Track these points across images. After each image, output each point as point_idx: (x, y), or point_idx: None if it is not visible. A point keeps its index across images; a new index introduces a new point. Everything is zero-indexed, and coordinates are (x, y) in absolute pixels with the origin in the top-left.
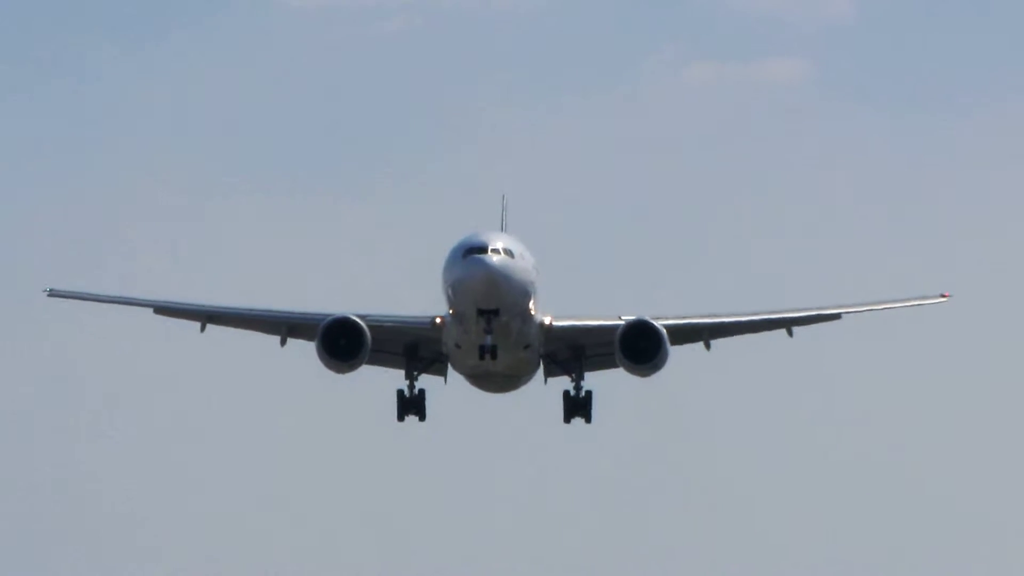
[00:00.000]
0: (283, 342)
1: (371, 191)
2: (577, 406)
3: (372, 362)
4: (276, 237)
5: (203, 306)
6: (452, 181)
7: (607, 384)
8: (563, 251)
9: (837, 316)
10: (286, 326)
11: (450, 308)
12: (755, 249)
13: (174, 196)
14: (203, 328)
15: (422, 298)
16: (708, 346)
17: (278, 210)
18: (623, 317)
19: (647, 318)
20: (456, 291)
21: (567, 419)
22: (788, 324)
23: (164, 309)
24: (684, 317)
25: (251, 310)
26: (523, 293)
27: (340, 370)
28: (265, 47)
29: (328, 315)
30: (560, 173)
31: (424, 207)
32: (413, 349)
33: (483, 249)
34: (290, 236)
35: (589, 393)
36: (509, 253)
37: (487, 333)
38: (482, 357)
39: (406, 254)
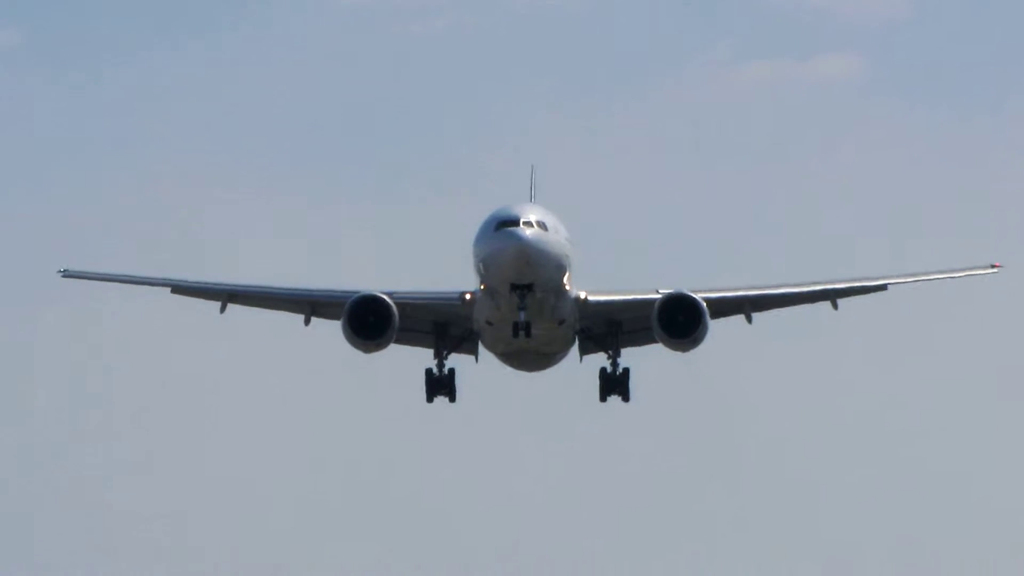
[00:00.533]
0: (307, 321)
1: (400, 169)
2: (614, 384)
3: (400, 341)
4: (300, 214)
5: (223, 284)
6: (485, 161)
7: (645, 360)
8: (598, 224)
9: (883, 287)
10: (310, 304)
11: (481, 283)
12: (797, 221)
13: (197, 177)
14: (223, 308)
15: (452, 274)
16: (750, 319)
17: (302, 188)
18: (661, 290)
19: (686, 291)
20: (488, 266)
21: (603, 397)
22: (832, 296)
23: (182, 288)
24: (724, 290)
25: (274, 288)
26: (557, 267)
27: (367, 349)
28: (313, 42)
29: (354, 292)
30: (605, 164)
31: (454, 182)
32: (442, 327)
33: (515, 222)
34: (314, 213)
35: (626, 370)
36: (542, 226)
37: (520, 309)
38: (515, 334)
39: (435, 230)
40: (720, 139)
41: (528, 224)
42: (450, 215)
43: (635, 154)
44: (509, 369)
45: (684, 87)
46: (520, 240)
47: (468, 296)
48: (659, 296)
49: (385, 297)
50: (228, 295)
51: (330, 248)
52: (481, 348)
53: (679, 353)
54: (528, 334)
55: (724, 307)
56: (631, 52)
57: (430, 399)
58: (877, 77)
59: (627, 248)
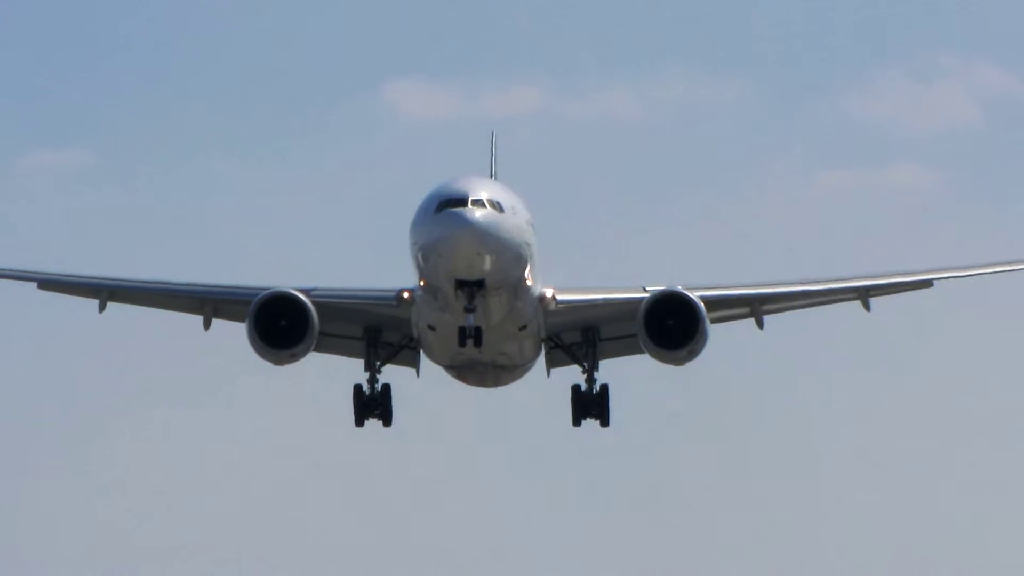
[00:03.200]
0: (207, 325)
1: (325, 138)
2: (590, 404)
3: (321, 349)
4: (205, 197)
5: (102, 279)
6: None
7: (628, 376)
8: (569, 211)
9: (928, 283)
10: (209, 304)
11: (420, 279)
12: (806, 210)
13: (79, 152)
14: (102, 307)
15: (388, 268)
16: (760, 323)
17: (206, 164)
18: (648, 288)
19: (679, 288)
20: (427, 256)
21: (577, 421)
22: (865, 293)
23: (52, 283)
24: (728, 287)
25: (163, 284)
26: (515, 258)
27: (279, 360)
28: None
29: (262, 289)
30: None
31: (391, 156)
32: (374, 332)
33: (462, 201)
34: (220, 195)
35: (605, 387)
36: (496, 206)
37: (468, 311)
38: (463, 343)
39: (369, 214)
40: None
41: (478, 203)
42: (387, 196)
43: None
44: (460, 385)
45: (759, 192)
46: (467, 224)
47: (405, 295)
48: (646, 295)
49: (300, 295)
50: (108, 291)
51: (239, 237)
52: (424, 359)
53: (671, 366)
54: (478, 343)
55: (728, 308)
56: (704, 162)
57: (359, 422)
58: (950, 186)
59: (607, 238)
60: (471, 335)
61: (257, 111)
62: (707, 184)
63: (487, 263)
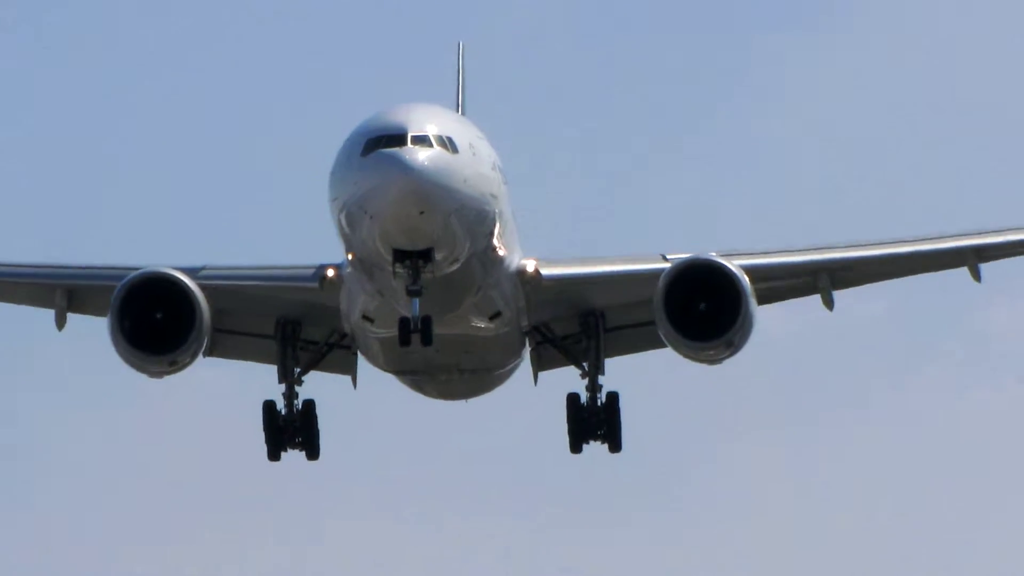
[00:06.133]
0: (60, 321)
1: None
2: (593, 422)
3: (216, 353)
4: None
5: None
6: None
7: (644, 379)
8: (562, 158)
9: None
10: (61, 292)
11: (348, 251)
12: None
13: None
14: None
15: (308, 239)
16: (830, 303)
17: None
18: (669, 256)
19: (713, 255)
20: (353, 218)
21: (576, 446)
22: (976, 257)
23: None
24: (782, 252)
25: None
26: (476, 217)
27: (155, 369)
28: None
29: (130, 270)
30: None
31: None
32: (290, 327)
33: (398, 137)
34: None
35: (614, 397)
36: (447, 144)
37: (412, 294)
38: (405, 339)
39: (282, 166)
40: None
41: (421, 141)
42: (305, 141)
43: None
44: (417, 398)
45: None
46: (405, 169)
47: (330, 273)
48: (666, 266)
49: (181, 276)
50: None
51: (103, 204)
52: (363, 363)
53: (704, 364)
54: (427, 339)
55: (784, 281)
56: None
57: (273, 455)
58: None
59: (611, 193)
60: (417, 328)
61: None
62: (737, 120)
63: (435, 224)
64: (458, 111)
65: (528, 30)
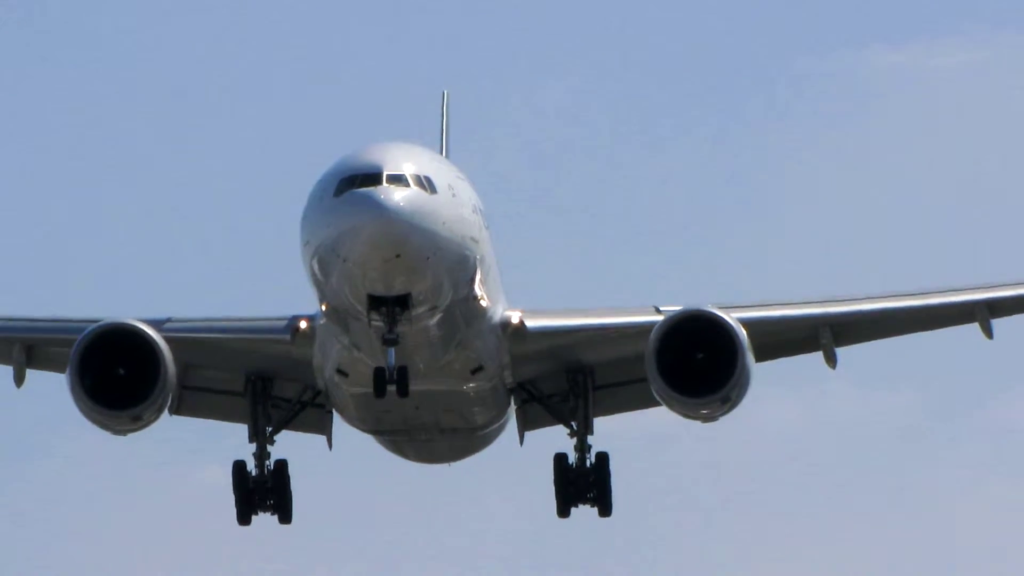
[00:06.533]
0: (18, 377)
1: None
2: (582, 484)
3: (184, 411)
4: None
5: None
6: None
7: (634, 438)
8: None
9: None
10: (18, 346)
11: (321, 300)
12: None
13: None
14: None
15: (280, 291)
16: (831, 360)
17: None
18: (662, 309)
19: (708, 307)
20: (325, 263)
21: (564, 509)
22: (985, 311)
23: None
24: (781, 305)
25: None
26: (456, 261)
27: (118, 426)
28: None
29: (91, 322)
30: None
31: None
32: (261, 383)
33: (373, 177)
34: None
35: (603, 458)
36: (425, 184)
37: (388, 342)
38: (380, 391)
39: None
40: None
41: (397, 180)
42: (280, 190)
43: None
44: (396, 460)
45: None
46: (380, 209)
47: (302, 325)
48: (660, 318)
49: (145, 328)
50: None
51: (68, 256)
52: (339, 422)
53: (699, 422)
54: (403, 390)
55: (781, 336)
56: None
57: (243, 519)
58: None
59: (600, 243)
60: (392, 379)
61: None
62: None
63: (412, 268)
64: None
65: (516, 79)
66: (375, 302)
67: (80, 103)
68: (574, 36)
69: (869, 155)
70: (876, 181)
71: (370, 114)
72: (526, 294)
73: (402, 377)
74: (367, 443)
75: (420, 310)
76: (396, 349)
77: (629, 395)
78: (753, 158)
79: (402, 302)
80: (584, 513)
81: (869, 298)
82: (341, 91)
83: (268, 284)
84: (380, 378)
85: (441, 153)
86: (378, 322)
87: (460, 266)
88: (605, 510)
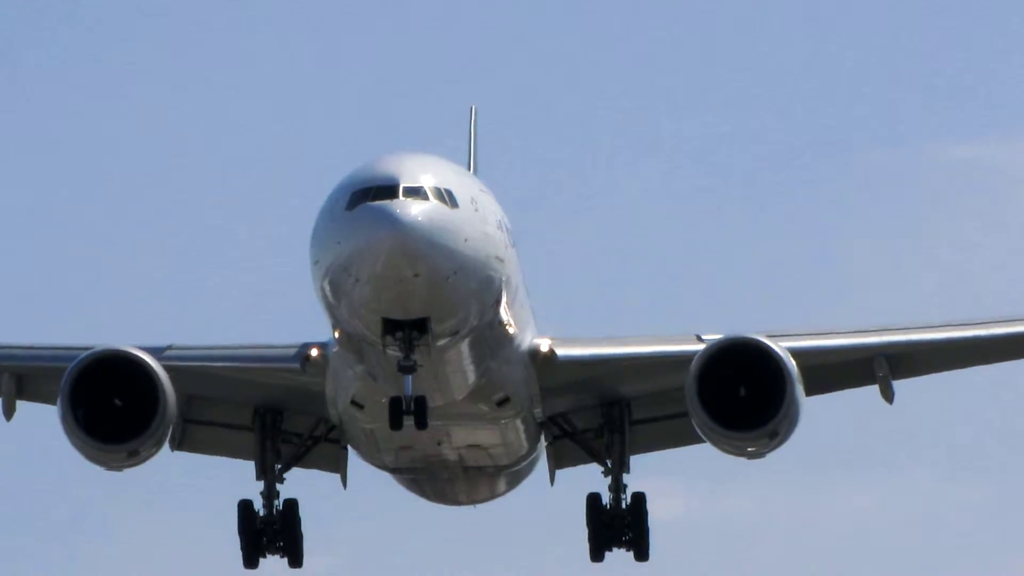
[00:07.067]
0: (8, 409)
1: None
2: (617, 526)
3: (187, 446)
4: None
5: None
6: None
7: (675, 478)
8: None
9: None
10: (8, 375)
11: (335, 326)
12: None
13: None
14: None
15: (291, 319)
16: (889, 394)
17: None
18: (704, 337)
19: (755, 335)
20: (336, 283)
21: (597, 553)
22: None
23: None
24: (834, 333)
25: None
26: (479, 283)
27: (113, 462)
28: None
29: (84, 349)
30: None
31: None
32: (270, 416)
33: (388, 189)
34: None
35: (640, 499)
36: (445, 197)
37: (405, 370)
38: (396, 422)
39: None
40: None
41: (414, 193)
42: (296, 210)
43: None
44: (417, 501)
45: None
46: (396, 224)
47: (315, 353)
48: (702, 347)
49: (142, 356)
50: None
51: (64, 281)
52: (353, 458)
53: (743, 458)
54: (422, 423)
55: (835, 367)
56: None
57: (250, 562)
58: None
59: (639, 266)
60: (410, 409)
61: None
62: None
63: (431, 289)
64: None
65: (543, 93)
66: (390, 326)
67: (78, 111)
68: (624, 44)
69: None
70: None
71: (395, 129)
72: (557, 322)
73: (420, 407)
74: (385, 482)
75: (440, 335)
76: (414, 378)
77: (669, 431)
78: (812, 214)
79: (420, 326)
80: (619, 558)
81: (929, 327)
82: (363, 103)
83: (278, 310)
84: (396, 408)
85: (470, 170)
86: (394, 348)
87: (484, 287)
88: (641, 555)
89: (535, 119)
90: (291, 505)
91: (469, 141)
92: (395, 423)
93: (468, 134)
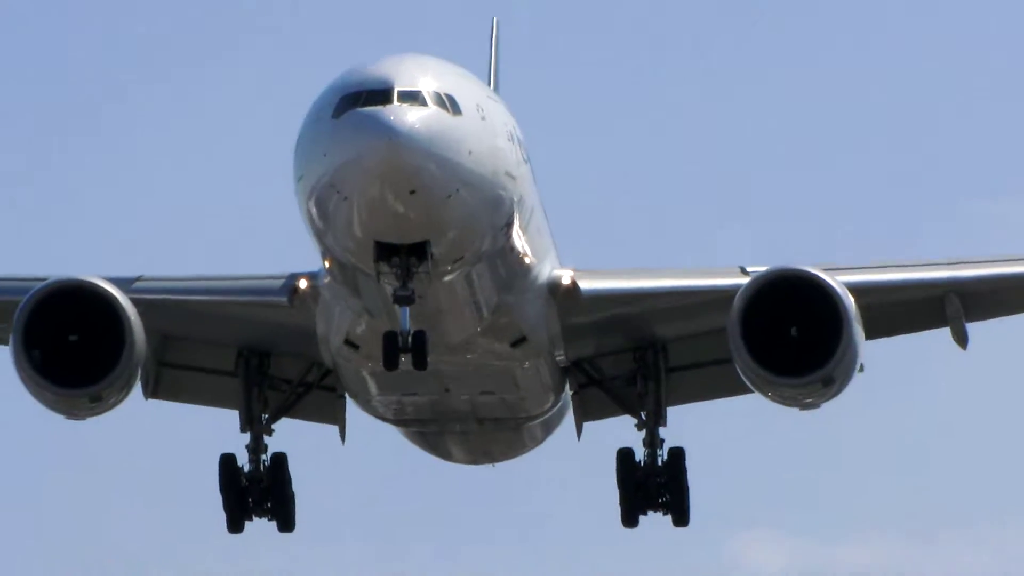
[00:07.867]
0: None
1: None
2: (652, 486)
3: (163, 393)
4: None
5: None
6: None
7: (716, 432)
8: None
9: None
10: None
11: (323, 254)
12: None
13: None
14: None
15: (276, 250)
16: (962, 338)
17: None
18: (750, 269)
19: (808, 267)
20: (322, 201)
21: (630, 517)
22: None
23: None
24: (898, 267)
25: None
26: (487, 200)
27: (74, 406)
28: None
29: (40, 280)
30: None
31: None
32: (256, 360)
33: (381, 93)
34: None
35: (678, 455)
36: (446, 104)
37: (401, 300)
38: (391, 360)
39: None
40: None
41: (411, 98)
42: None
43: None
44: (425, 458)
45: None
46: (389, 132)
47: (303, 284)
48: (746, 280)
49: (106, 286)
50: None
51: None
52: (353, 408)
53: (795, 408)
54: (420, 362)
55: (899, 306)
56: None
57: (235, 525)
58: None
59: (668, 199)
60: (407, 346)
61: None
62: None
63: (430, 209)
64: None
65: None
66: (385, 252)
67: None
68: None
69: None
70: None
71: (410, 38)
72: (583, 254)
73: (419, 344)
74: (389, 435)
75: (441, 263)
76: (415, 312)
77: (710, 379)
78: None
79: (418, 252)
80: (655, 522)
81: (1009, 259)
82: (388, 23)
83: (261, 237)
84: (392, 344)
85: (490, 86)
86: (389, 277)
87: (492, 207)
88: (680, 519)
89: (562, 34)
90: (280, 460)
91: (490, 56)
92: (390, 362)
93: (489, 48)
